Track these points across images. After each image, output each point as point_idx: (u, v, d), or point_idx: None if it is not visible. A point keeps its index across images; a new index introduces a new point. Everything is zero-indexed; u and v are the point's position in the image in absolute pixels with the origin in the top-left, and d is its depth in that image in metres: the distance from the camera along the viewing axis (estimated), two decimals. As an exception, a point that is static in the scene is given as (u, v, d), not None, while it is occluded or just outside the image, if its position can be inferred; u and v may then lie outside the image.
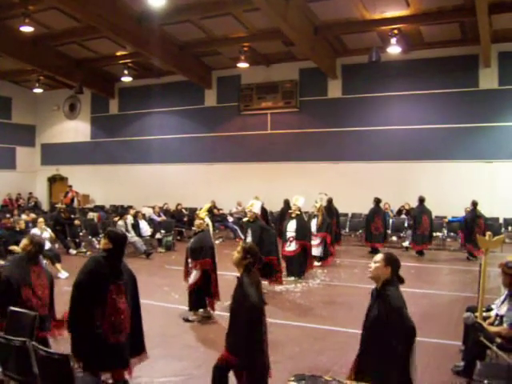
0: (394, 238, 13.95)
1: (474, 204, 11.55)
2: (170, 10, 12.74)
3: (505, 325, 4.37)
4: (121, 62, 17.43)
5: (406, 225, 13.49)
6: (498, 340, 4.22)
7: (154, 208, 15.25)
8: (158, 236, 13.31)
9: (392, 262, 3.43)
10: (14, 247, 8.75)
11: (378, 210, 12.54)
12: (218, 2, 12.83)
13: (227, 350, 3.66)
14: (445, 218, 13.27)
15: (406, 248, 12.49)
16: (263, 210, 11.56)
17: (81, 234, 13.33)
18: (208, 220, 7.21)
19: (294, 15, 12.61)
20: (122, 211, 15.44)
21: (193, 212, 13.85)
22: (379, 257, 3.47)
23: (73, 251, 12.32)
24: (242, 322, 3.56)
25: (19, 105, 21.23)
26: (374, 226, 12.31)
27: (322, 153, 16.33)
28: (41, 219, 11.04)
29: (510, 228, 13.61)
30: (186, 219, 15.32)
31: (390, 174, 15.29)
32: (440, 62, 14.79)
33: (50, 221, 12.80)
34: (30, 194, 21.20)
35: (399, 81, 15.36)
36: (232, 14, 13.50)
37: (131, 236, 11.75)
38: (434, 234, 12.65)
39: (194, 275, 6.66)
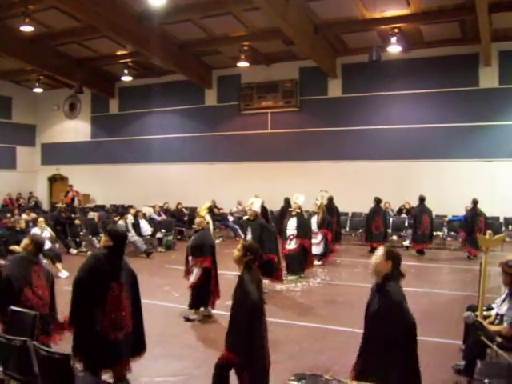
0: (395, 238, 13.94)
1: (475, 202, 11.55)
2: (170, 9, 12.73)
3: (505, 324, 4.37)
4: (121, 61, 17.42)
5: (406, 224, 13.50)
6: (499, 339, 4.22)
7: (154, 207, 15.26)
8: (158, 235, 13.32)
9: (393, 257, 3.43)
10: (14, 247, 8.76)
11: (378, 210, 12.56)
12: (218, 2, 12.81)
13: (227, 349, 3.66)
14: (445, 217, 13.27)
15: (407, 247, 12.49)
16: (263, 208, 11.56)
17: (81, 233, 13.33)
18: (209, 218, 7.23)
19: (294, 14, 12.60)
20: (122, 211, 15.45)
21: (193, 211, 13.85)
22: (380, 251, 3.47)
23: (73, 251, 12.33)
24: (242, 321, 3.56)
25: (19, 104, 21.22)
26: (375, 226, 12.31)
27: (323, 152, 16.33)
28: (41, 219, 11.06)
29: (510, 227, 13.62)
30: (186, 218, 15.33)
31: (391, 173, 15.29)
32: (440, 61, 14.78)
33: (50, 220, 12.82)
34: (31, 193, 21.20)
35: (399, 80, 15.35)
36: (232, 13, 13.49)
37: (131, 235, 11.75)
38: (435, 234, 12.65)
39: (195, 274, 6.66)
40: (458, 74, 14.65)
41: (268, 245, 7.99)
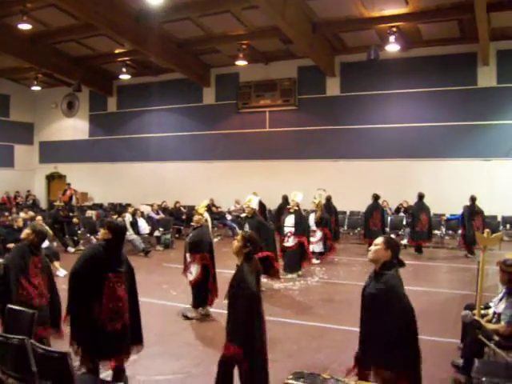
0: (392, 236, 13.93)
1: (473, 199, 11.55)
2: (168, 7, 12.71)
3: (502, 322, 4.37)
4: (119, 59, 17.37)
5: (404, 223, 13.50)
6: (496, 338, 4.23)
7: (152, 206, 15.25)
8: (156, 234, 13.31)
9: (392, 246, 3.46)
10: (11, 245, 8.73)
11: (376, 206, 12.54)
12: (216, 0, 12.81)
13: (229, 341, 3.66)
14: (443, 215, 13.29)
15: (405, 246, 12.49)
16: (261, 205, 11.57)
17: (79, 231, 13.35)
18: (207, 215, 7.22)
19: (293, 13, 12.59)
20: (120, 209, 15.47)
21: (191, 210, 13.85)
22: (380, 240, 3.48)
23: (71, 249, 12.31)
24: (241, 311, 3.59)
25: (17, 102, 21.16)
26: (373, 222, 12.31)
27: (321, 150, 16.32)
28: (39, 217, 11.04)
29: (508, 226, 13.66)
30: (184, 217, 15.32)
31: (389, 172, 15.29)
32: (438, 60, 14.79)
33: (48, 219, 12.81)
34: (28, 191, 21.14)
35: (398, 79, 15.35)
36: (230, 11, 13.48)
37: (130, 234, 11.74)
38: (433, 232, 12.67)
39: (195, 270, 6.65)
40: (457, 72, 14.66)
41: (266, 242, 7.99)
